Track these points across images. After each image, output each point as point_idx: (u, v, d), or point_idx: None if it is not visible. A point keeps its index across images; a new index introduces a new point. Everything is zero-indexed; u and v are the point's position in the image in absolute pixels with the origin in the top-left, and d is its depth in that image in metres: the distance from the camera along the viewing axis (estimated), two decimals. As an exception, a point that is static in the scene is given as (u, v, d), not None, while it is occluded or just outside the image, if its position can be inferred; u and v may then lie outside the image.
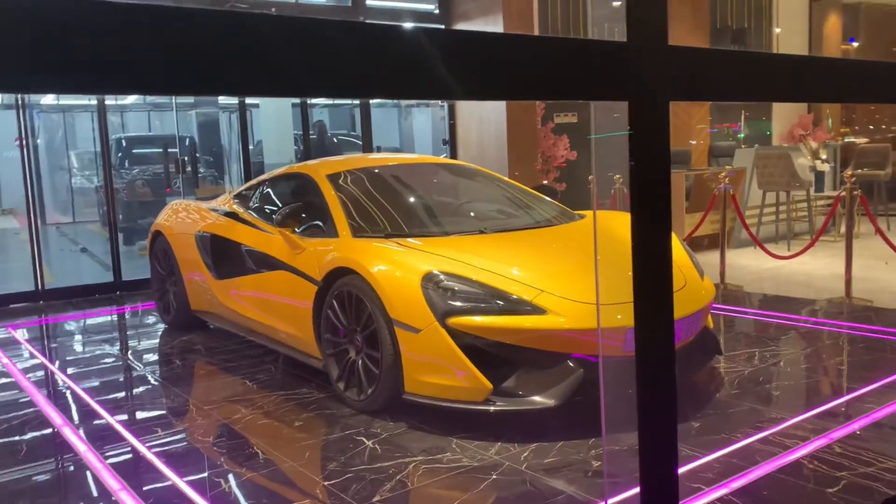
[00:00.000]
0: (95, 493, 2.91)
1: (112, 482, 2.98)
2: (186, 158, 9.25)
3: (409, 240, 3.90)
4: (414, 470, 3.00)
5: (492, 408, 3.24)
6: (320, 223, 4.27)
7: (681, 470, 2.87)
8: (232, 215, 4.99)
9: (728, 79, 1.21)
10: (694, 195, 8.34)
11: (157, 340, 5.57)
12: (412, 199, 4.56)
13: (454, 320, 3.28)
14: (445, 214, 4.42)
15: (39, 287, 7.20)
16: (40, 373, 4.70)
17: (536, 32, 9.35)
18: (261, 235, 4.55)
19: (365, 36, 0.82)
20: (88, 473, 3.10)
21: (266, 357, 4.73)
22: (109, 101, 20.24)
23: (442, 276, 3.41)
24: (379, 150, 14.76)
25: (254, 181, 5.37)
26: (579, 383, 3.24)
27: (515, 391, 3.27)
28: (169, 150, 11.00)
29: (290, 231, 4.24)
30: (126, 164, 15.45)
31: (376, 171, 4.73)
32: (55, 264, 11.03)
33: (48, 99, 19.45)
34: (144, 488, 2.92)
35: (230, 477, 3.01)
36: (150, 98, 20.20)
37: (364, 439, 3.34)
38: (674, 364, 1.22)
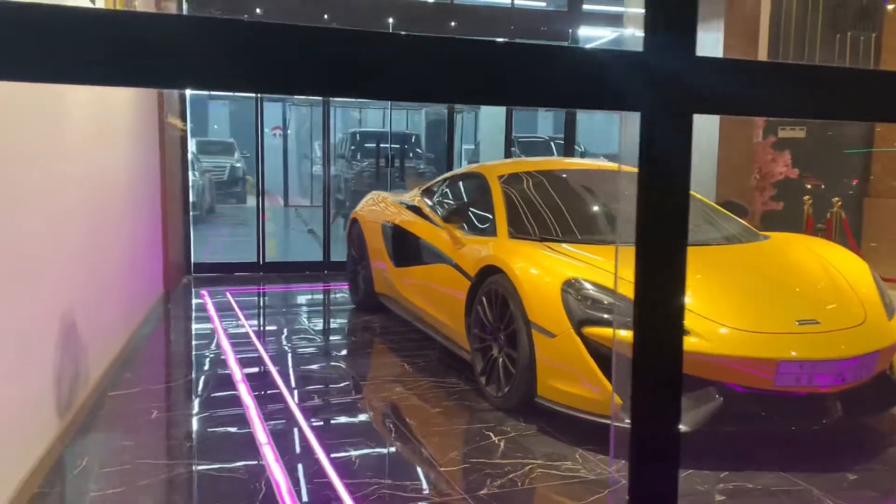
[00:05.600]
0: (245, 442, 3.28)
1: (261, 436, 3.33)
2: (394, 154, 9.81)
3: (564, 245, 3.89)
4: (529, 472, 3.02)
5: (618, 424, 3.16)
6: (486, 222, 4.39)
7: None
8: (414, 209, 5.27)
9: (761, 92, 1.13)
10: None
11: (343, 318, 6.04)
12: (575, 205, 4.52)
13: (590, 330, 3.24)
14: (607, 222, 4.33)
15: (260, 260, 8.09)
16: (239, 335, 5.32)
17: (764, 37, 8.74)
18: (433, 229, 4.77)
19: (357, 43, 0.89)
20: (246, 425, 3.48)
21: (427, 344, 4.95)
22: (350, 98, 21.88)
23: (583, 284, 3.37)
24: (583, 155, 14.67)
25: (440, 178, 5.62)
26: (717, 412, 3.05)
27: (648, 410, 3.14)
28: (381, 144, 11.75)
29: (455, 227, 4.41)
30: (358, 157, 16.71)
31: (546, 175, 4.75)
32: (285, 241, 12.28)
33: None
34: (284, 445, 3.23)
35: (360, 449, 3.23)
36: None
37: (492, 435, 3.41)
38: (676, 408, 1.16)
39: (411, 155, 17.65)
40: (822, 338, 3.16)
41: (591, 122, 23.83)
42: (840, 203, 6.69)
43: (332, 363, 4.65)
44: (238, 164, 20.39)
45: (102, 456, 3.06)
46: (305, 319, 6.00)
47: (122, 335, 4.56)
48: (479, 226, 4.43)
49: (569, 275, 3.43)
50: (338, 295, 7.01)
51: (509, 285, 3.61)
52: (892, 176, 9.33)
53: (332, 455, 3.14)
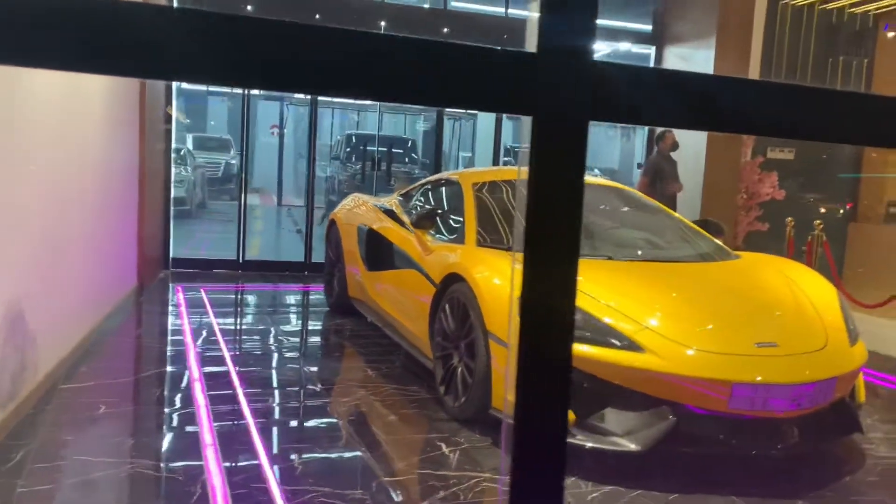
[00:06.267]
0: (190, 443, 3.21)
1: (207, 437, 3.27)
2: (381, 157, 9.79)
3: (531, 256, 3.84)
4: (474, 485, 2.95)
5: (569, 440, 3.09)
6: (457, 228, 4.34)
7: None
8: (390, 213, 5.22)
9: (663, 101, 1.08)
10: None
11: (316, 320, 5.97)
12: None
13: (546, 343, 3.17)
14: (583, 235, 4.27)
15: (240, 258, 8.02)
16: (205, 332, 5.25)
17: (756, 58, 8.71)
18: (405, 234, 4.72)
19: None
20: (194, 425, 3.42)
21: (395, 350, 4.89)
22: (348, 100, 21.85)
23: (544, 296, 3.31)
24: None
25: (418, 183, 5.57)
26: (669, 432, 2.99)
27: (601, 428, 3.09)
28: (367, 147, 11.74)
29: (424, 233, 4.35)
30: (353, 159, 16.68)
31: (520, 184, 4.69)
32: (273, 241, 12.21)
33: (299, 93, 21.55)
34: (229, 447, 3.17)
35: (306, 454, 3.17)
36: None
37: (444, 446, 3.35)
38: (563, 418, 1.10)
39: (406, 160, 17.61)
40: (779, 361, 3.10)
41: (592, 135, 23.76)
42: (822, 226, 6.65)
43: (295, 365, 4.59)
44: (233, 161, 20.34)
45: (39, 450, 2.99)
46: (276, 320, 5.93)
47: (83, 327, 4.49)
48: (450, 232, 4.38)
49: (529, 286, 3.37)
50: (315, 297, 6.95)
51: (470, 294, 3.56)
52: (878, 202, 9.31)
53: (277, 459, 3.08)
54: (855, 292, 7.32)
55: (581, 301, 3.29)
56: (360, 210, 5.76)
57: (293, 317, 6.25)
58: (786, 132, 1.12)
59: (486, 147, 13.85)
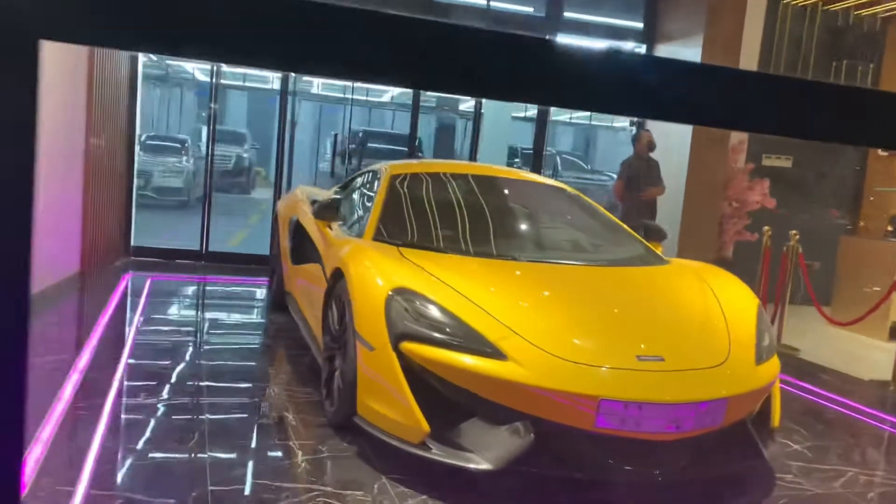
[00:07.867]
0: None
1: (46, 433, 3.04)
2: (349, 151, 9.59)
3: (427, 254, 3.55)
4: (307, 500, 2.67)
5: (423, 453, 2.80)
6: (364, 221, 4.07)
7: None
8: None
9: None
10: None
11: (250, 315, 5.74)
12: (459, 213, 4.14)
13: (408, 345, 2.89)
14: (484, 233, 3.96)
15: (203, 248, 7.84)
16: (121, 322, 5.04)
17: (753, 59, 8.28)
18: (319, 226, 4.46)
19: None
20: (41, 418, 3.19)
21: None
22: (358, 96, 21.69)
23: (415, 295, 3.02)
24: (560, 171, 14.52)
25: (356, 174, 5.32)
26: (526, 450, 2.68)
27: (459, 442, 2.79)
28: (373, 144, 11.59)
29: (325, 224, 4.09)
30: (359, 154, 16.61)
31: (442, 178, 4.40)
32: (264, 233, 12.05)
33: (312, 87, 21.60)
34: (62, 444, 2.94)
35: (141, 457, 2.92)
36: (396, 98, 21.34)
37: (302, 455, 3.07)
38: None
39: (419, 155, 17.61)
40: (660, 377, 2.77)
41: (611, 139, 23.42)
42: (798, 237, 6.23)
43: (198, 360, 4.35)
44: (246, 155, 20.29)
45: None
46: (206, 313, 5.72)
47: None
48: (357, 224, 4.12)
49: (400, 284, 3.08)
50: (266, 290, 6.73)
51: (346, 291, 3.28)
52: (881, 216, 8.80)
53: (104, 460, 2.84)
54: (843, 310, 6.88)
55: (456, 302, 2.99)
56: (297, 202, 5.52)
57: (229, 310, 6.03)
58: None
59: (492, 146, 13.65)
